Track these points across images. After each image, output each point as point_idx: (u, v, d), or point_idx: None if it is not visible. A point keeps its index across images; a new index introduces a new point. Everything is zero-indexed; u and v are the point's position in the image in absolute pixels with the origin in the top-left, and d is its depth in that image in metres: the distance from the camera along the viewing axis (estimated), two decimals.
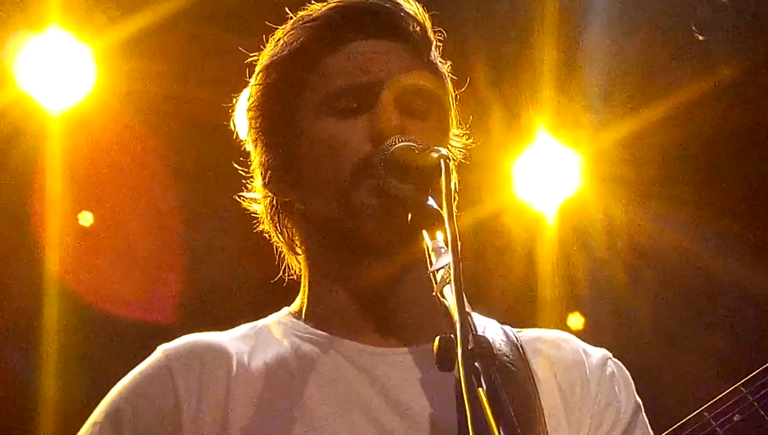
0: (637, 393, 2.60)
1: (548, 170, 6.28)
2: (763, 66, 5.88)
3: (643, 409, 2.55)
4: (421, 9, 2.61)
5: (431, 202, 2.32)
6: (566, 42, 5.76)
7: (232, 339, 2.55)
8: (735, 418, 2.13)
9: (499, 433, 1.86)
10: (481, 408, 1.87)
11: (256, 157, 2.62)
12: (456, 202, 2.49)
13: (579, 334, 2.70)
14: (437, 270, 2.18)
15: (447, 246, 2.18)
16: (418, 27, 2.59)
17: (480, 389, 1.90)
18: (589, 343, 2.67)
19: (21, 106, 5.52)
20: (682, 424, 2.17)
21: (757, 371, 2.23)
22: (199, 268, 6.37)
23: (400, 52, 2.55)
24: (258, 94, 2.60)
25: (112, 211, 6.10)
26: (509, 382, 2.41)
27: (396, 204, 2.38)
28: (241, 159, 2.71)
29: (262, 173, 2.61)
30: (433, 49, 2.61)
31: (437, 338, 1.99)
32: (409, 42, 2.57)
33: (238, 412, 2.40)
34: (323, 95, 2.51)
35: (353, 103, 2.50)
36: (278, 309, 2.65)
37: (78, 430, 2.50)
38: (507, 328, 2.60)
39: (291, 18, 2.62)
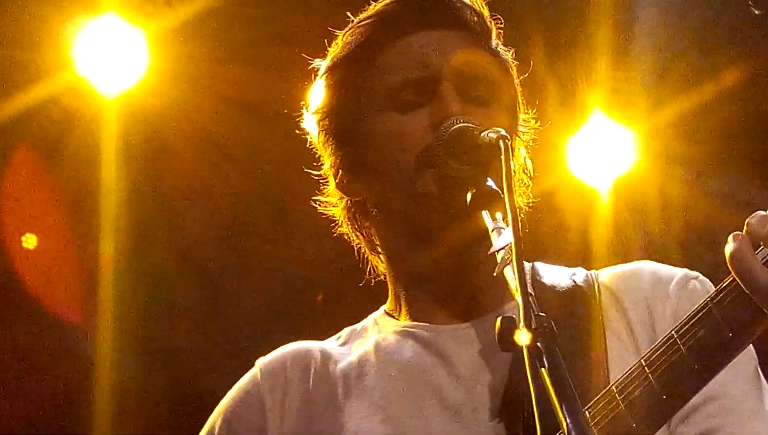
0: None
1: (603, 148, 6.23)
2: None
3: None
4: None
5: (490, 182, 2.32)
6: (622, 20, 5.71)
7: (324, 343, 2.64)
8: None
9: (563, 412, 1.87)
10: (545, 388, 1.88)
11: (328, 160, 2.65)
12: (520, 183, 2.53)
13: None
14: (498, 250, 2.18)
15: (507, 225, 2.18)
16: (475, 14, 2.59)
17: (543, 370, 1.91)
18: None
19: (78, 90, 5.57)
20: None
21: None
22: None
23: (457, 40, 2.55)
24: (323, 96, 2.63)
25: (169, 195, 6.14)
26: (575, 346, 2.41)
27: (455, 185, 2.39)
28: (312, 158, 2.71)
29: (333, 175, 2.64)
30: (493, 35, 2.61)
31: (498, 319, 1.99)
32: (467, 30, 2.58)
33: (317, 413, 2.49)
34: (384, 92, 2.54)
35: (414, 96, 2.51)
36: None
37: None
38: (588, 273, 2.57)
39: (351, 18, 2.65)
